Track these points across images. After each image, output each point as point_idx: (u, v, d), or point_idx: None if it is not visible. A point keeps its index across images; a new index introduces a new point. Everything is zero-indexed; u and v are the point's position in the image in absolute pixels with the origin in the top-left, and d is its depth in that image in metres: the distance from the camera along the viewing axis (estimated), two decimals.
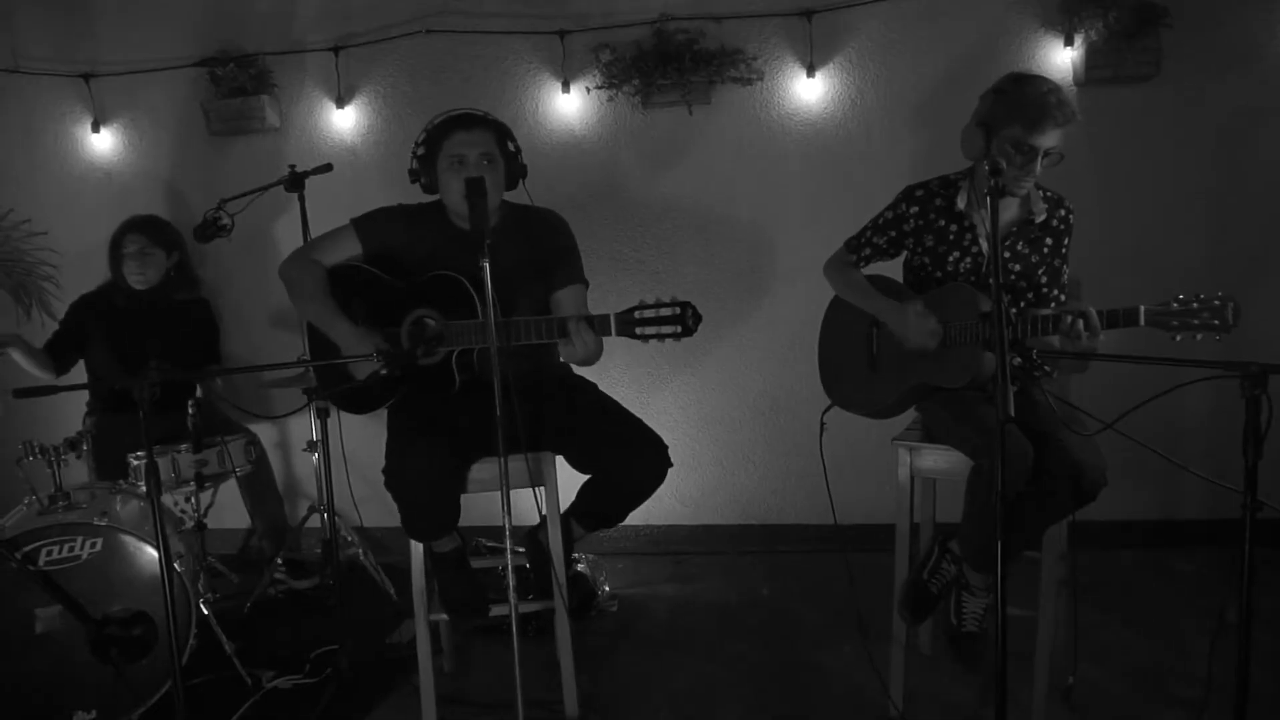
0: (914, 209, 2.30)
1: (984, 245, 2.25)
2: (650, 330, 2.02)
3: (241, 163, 3.69)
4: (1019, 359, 2.21)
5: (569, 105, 3.50)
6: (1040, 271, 2.28)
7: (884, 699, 2.33)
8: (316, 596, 3.33)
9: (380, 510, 3.47)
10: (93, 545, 2.41)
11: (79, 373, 3.35)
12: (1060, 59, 3.20)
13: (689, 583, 3.37)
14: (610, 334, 2.06)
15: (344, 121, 3.67)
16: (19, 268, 3.65)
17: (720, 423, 3.65)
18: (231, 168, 3.70)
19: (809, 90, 3.37)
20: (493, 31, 3.48)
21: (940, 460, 2.25)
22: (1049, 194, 2.26)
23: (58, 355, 3.23)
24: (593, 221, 3.49)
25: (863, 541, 3.04)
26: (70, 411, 3.45)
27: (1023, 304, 2.29)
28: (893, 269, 2.45)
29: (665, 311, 2.00)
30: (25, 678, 2.34)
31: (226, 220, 3.06)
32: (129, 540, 2.44)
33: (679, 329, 2.00)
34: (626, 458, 2.23)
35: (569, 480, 2.36)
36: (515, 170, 2.37)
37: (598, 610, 3.07)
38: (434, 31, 3.52)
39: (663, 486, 2.29)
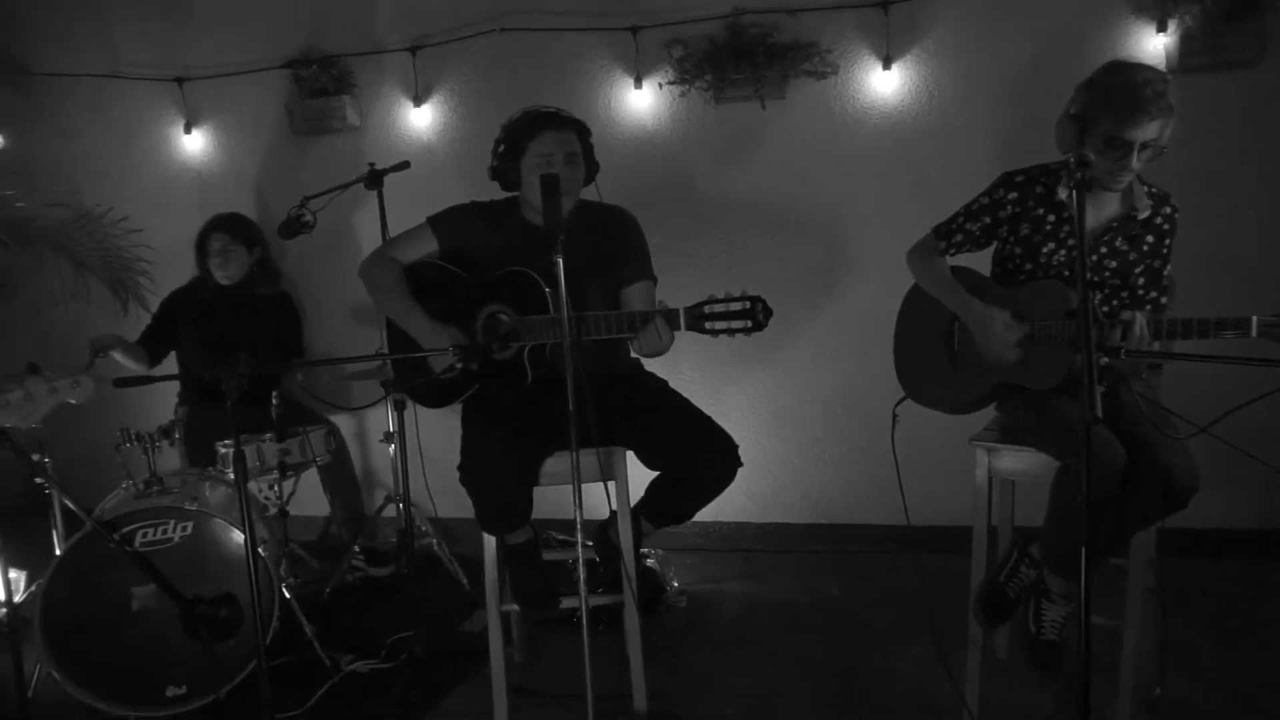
0: (1012, 195, 2.23)
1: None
2: (720, 325, 2.01)
3: (323, 161, 3.80)
4: (1106, 359, 2.13)
5: (641, 101, 3.51)
6: (1137, 270, 2.18)
7: (958, 704, 2.28)
8: (392, 584, 3.42)
9: (454, 501, 3.53)
10: (184, 529, 2.52)
11: (171, 363, 3.50)
12: (1152, 46, 3.07)
13: (757, 580, 3.35)
14: (679, 329, 2.06)
15: (420, 120, 3.74)
16: (117, 263, 3.81)
17: (791, 420, 3.61)
18: (313, 166, 3.81)
19: (885, 83, 3.30)
20: (566, 29, 3.51)
21: (1020, 461, 2.19)
22: (1154, 190, 2.17)
23: (151, 348, 3.38)
24: (663, 218, 3.48)
25: (936, 543, 2.98)
26: (163, 400, 3.61)
27: (1115, 303, 2.20)
28: (976, 261, 2.38)
29: (735, 306, 1.99)
30: (124, 652, 2.46)
31: (309, 217, 3.15)
32: (217, 524, 2.54)
33: (749, 324, 1.99)
34: (696, 456, 2.23)
35: (640, 475, 2.36)
36: (591, 168, 2.39)
37: (666, 606, 3.08)
38: (508, 30, 3.56)
39: (733, 484, 2.28)
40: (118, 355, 3.18)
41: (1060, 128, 1.99)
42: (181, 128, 3.98)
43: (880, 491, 3.50)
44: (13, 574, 2.35)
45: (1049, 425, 2.05)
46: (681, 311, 2.04)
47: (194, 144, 4.00)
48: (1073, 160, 1.55)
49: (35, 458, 2.53)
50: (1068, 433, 1.96)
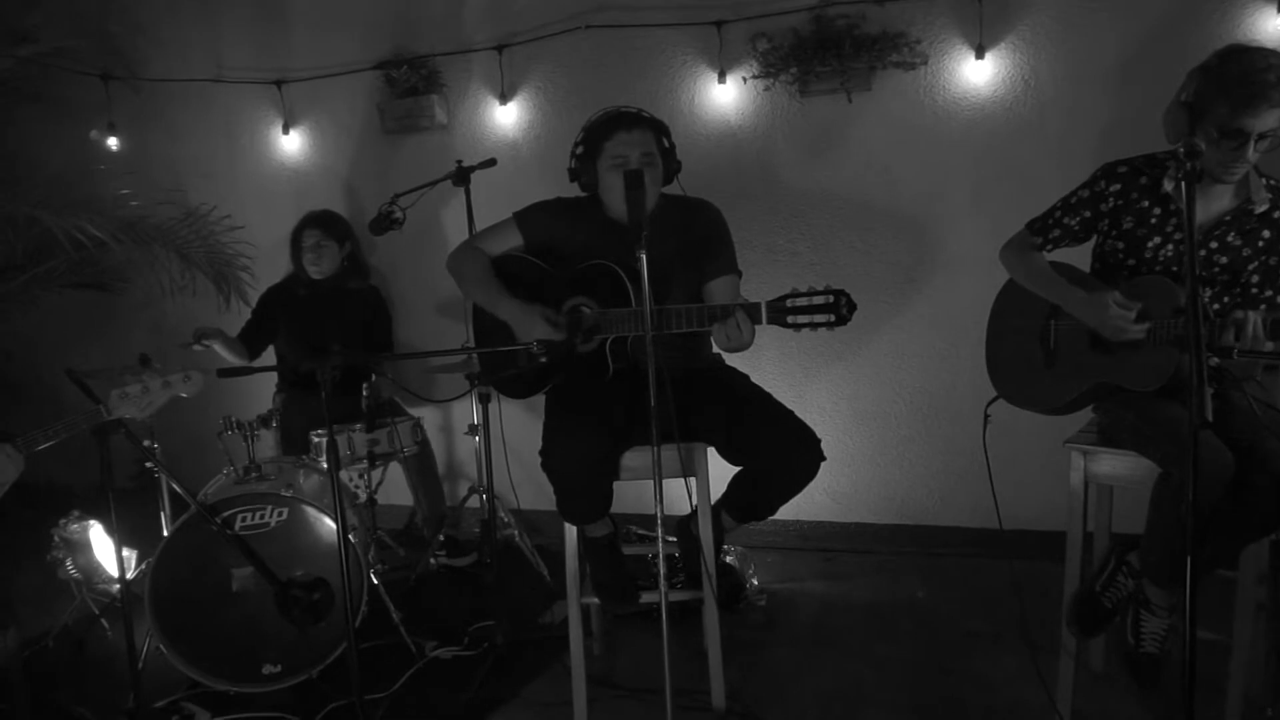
0: (1115, 187, 2.13)
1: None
2: (803, 319, 1.98)
3: (412, 159, 3.90)
4: (1216, 359, 2.02)
5: (725, 96, 3.49)
6: (1251, 267, 2.05)
7: (1050, 715, 2.20)
8: (474, 574, 3.49)
9: (536, 493, 3.59)
10: (280, 514, 2.63)
11: (269, 355, 3.65)
12: (1272, 27, 2.89)
13: (839, 580, 3.30)
14: (761, 323, 2.04)
15: (506, 118, 3.80)
16: (220, 258, 3.99)
17: (875, 418, 3.54)
18: (403, 164, 3.91)
19: (977, 73, 3.20)
20: (650, 25, 3.51)
21: (1119, 466, 2.09)
22: (1272, 181, 2.04)
23: (250, 342, 3.53)
24: (746, 213, 3.46)
25: (1028, 548, 2.88)
26: (261, 391, 3.77)
27: (1226, 300, 2.09)
28: (1072, 256, 2.28)
29: (818, 300, 1.96)
30: (224, 630, 2.58)
31: (399, 214, 3.23)
32: (310, 511, 2.63)
33: (832, 318, 1.96)
34: (779, 451, 2.20)
35: (721, 471, 2.35)
36: (671, 167, 2.37)
37: (746, 603, 3.06)
38: (593, 27, 3.59)
39: (814, 481, 2.24)
40: (218, 347, 3.33)
41: (1169, 116, 1.89)
42: (280, 128, 4.14)
43: (969, 493, 3.41)
44: (125, 552, 2.48)
45: (1152, 429, 1.95)
46: (763, 305, 2.01)
47: (291, 144, 4.16)
48: (1182, 150, 1.47)
49: (146, 444, 2.67)
50: (1172, 437, 1.86)
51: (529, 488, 3.57)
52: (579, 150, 2.37)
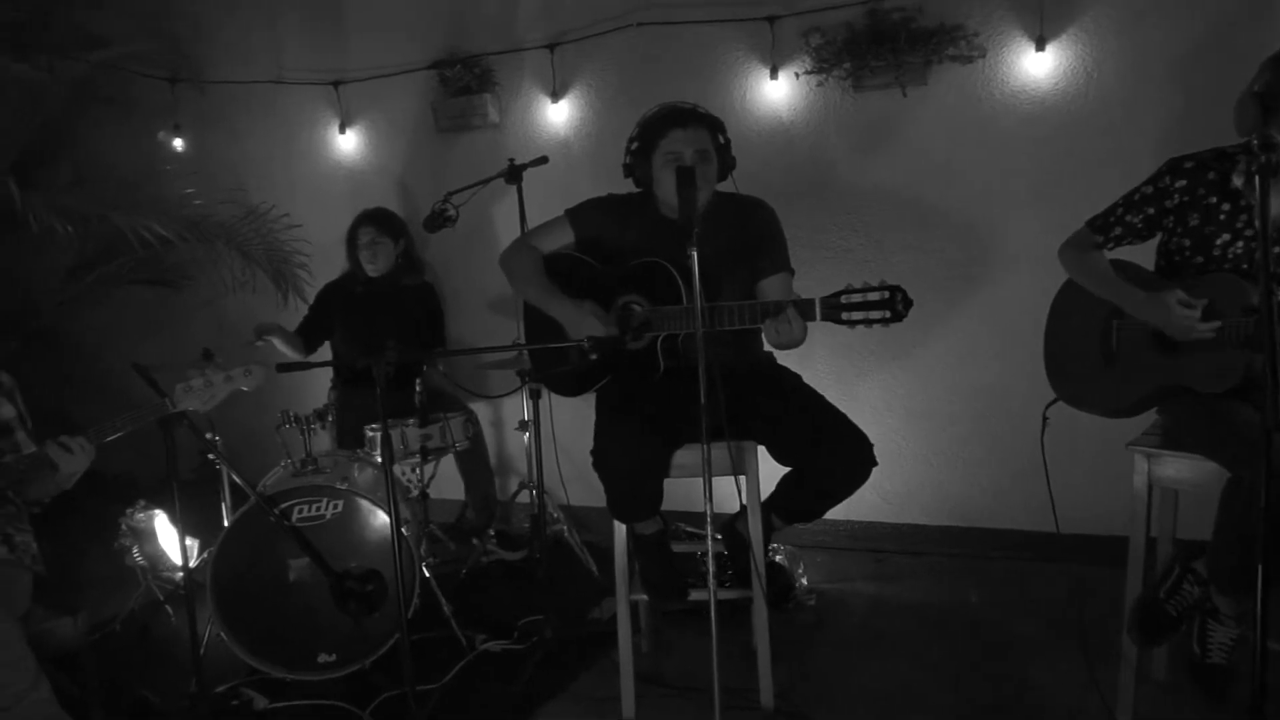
0: (1180, 182, 2.06)
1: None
2: (857, 315, 1.95)
3: (465, 157, 3.94)
4: None
5: (777, 92, 3.46)
6: None
7: None
8: (523, 568, 3.52)
9: (585, 490, 3.61)
10: (335, 506, 2.68)
11: (326, 351, 3.73)
12: None
13: (890, 581, 3.26)
14: (815, 319, 2.02)
15: (558, 115, 3.82)
16: (279, 256, 4.09)
17: (929, 418, 3.48)
18: (456, 162, 3.95)
19: (1037, 65, 3.12)
20: (702, 21, 3.49)
21: (1184, 469, 2.03)
22: None
23: (307, 338, 3.61)
24: (798, 209, 3.42)
25: (1088, 553, 2.81)
26: (318, 386, 3.85)
27: None
28: (1136, 254, 2.22)
29: (874, 296, 1.93)
30: (281, 619, 2.64)
31: (452, 211, 3.27)
32: (365, 504, 2.68)
33: (888, 314, 1.93)
34: (829, 454, 2.18)
35: (771, 470, 2.34)
36: (726, 164, 2.36)
37: (795, 603, 3.04)
38: (644, 24, 3.58)
39: (868, 483, 2.22)
40: (277, 342, 3.41)
41: (1241, 108, 1.83)
42: (336, 128, 4.22)
43: (1025, 496, 3.33)
44: (188, 541, 2.55)
45: (1220, 431, 1.89)
46: (817, 301, 1.99)
47: (347, 143, 4.24)
48: (1255, 142, 1.41)
49: (208, 436, 2.75)
50: (1243, 440, 1.80)
51: (578, 484, 3.59)
52: (634, 146, 2.36)
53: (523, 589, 3.33)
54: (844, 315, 1.96)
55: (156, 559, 3.27)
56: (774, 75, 3.42)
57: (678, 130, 2.29)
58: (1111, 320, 2.18)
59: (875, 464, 2.18)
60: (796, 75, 3.40)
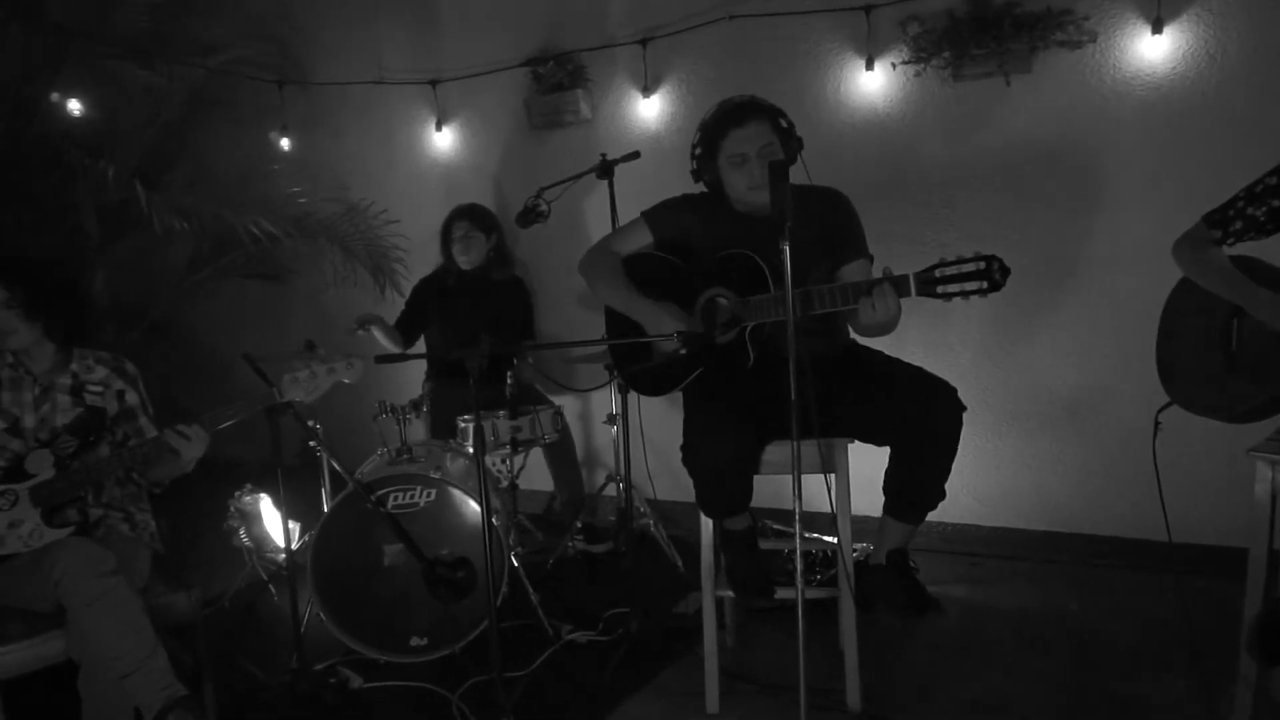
0: None
1: None
2: (953, 288, 1.91)
3: (557, 153, 3.98)
4: None
5: (872, 83, 3.38)
6: None
7: None
8: (609, 561, 3.54)
9: (672, 484, 3.62)
10: (428, 495, 2.75)
11: (421, 343, 3.83)
12: None
13: (984, 586, 3.16)
14: (910, 294, 1.97)
15: (649, 110, 3.83)
16: (378, 251, 4.23)
17: (1026, 419, 3.36)
18: (548, 158, 4.00)
19: (1153, 49, 2.96)
20: (795, 12, 3.44)
21: None
22: None
23: (405, 330, 3.71)
24: (893, 203, 3.35)
25: (1201, 564, 2.66)
26: (412, 377, 3.96)
27: None
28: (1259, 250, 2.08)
29: (969, 267, 1.88)
30: (376, 602, 2.73)
31: (544, 207, 3.31)
32: (457, 493, 2.75)
33: (984, 284, 1.88)
34: (913, 403, 2.12)
35: (860, 468, 2.29)
36: (793, 147, 2.32)
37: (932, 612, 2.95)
38: (737, 17, 3.55)
39: (958, 482, 2.16)
40: (377, 333, 3.53)
41: None
42: (433, 126, 4.33)
43: (1131, 502, 3.19)
44: (291, 524, 2.66)
45: None
46: (911, 276, 1.95)
47: (443, 141, 4.34)
48: None
49: (310, 424, 2.86)
50: None
51: (665, 478, 3.60)
52: (697, 151, 2.36)
53: (608, 582, 3.36)
54: (939, 288, 1.92)
55: (261, 540, 3.43)
56: (869, 66, 3.35)
57: (736, 130, 2.26)
58: (1232, 320, 2.05)
59: (964, 408, 2.12)
60: (893, 66, 3.32)
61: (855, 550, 2.97)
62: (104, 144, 4.04)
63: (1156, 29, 2.93)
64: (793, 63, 3.49)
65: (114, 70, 4.06)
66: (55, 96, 4.02)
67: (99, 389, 2.41)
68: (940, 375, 2.18)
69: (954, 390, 2.12)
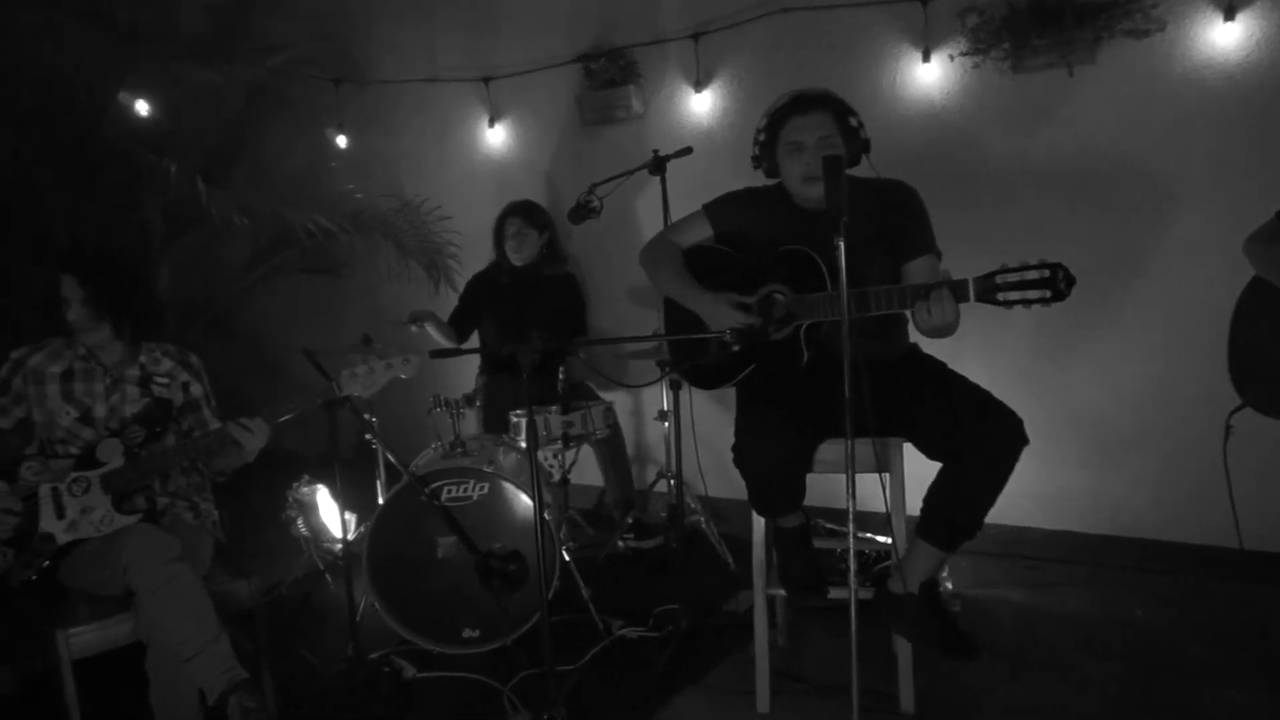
0: None
1: None
2: (1014, 295, 1.85)
3: (609, 149, 3.99)
4: None
5: (929, 75, 3.32)
6: None
7: None
8: (660, 557, 3.54)
9: (723, 481, 3.60)
10: (481, 488, 2.78)
11: (474, 338, 3.87)
12: None
13: (1042, 590, 3.09)
14: (969, 299, 1.92)
15: (701, 105, 3.81)
16: (431, 247, 4.28)
17: (1089, 420, 3.27)
18: (600, 154, 4.01)
19: (1225, 36, 2.86)
20: (850, 4, 3.40)
21: None
22: None
23: (459, 326, 3.75)
24: (951, 198, 3.26)
25: (1273, 572, 2.56)
26: (466, 372, 4.00)
27: None
28: None
29: (1032, 274, 1.83)
30: (430, 593, 2.77)
31: (596, 203, 3.31)
32: (509, 487, 2.77)
33: (1048, 293, 1.82)
34: (973, 427, 2.04)
35: (915, 467, 2.25)
36: (856, 147, 2.28)
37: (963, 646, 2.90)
38: (790, 10, 3.52)
39: (1015, 484, 2.09)
40: (431, 329, 3.57)
41: None
42: (486, 123, 4.36)
43: (1199, 508, 3.09)
44: (347, 516, 2.71)
45: None
46: (971, 281, 1.90)
47: (495, 137, 4.38)
48: None
49: (366, 418, 2.90)
50: None
51: (716, 475, 3.59)
52: (761, 137, 2.34)
53: (658, 577, 3.36)
54: (1000, 295, 1.86)
55: (318, 531, 3.50)
56: (926, 58, 3.29)
57: (797, 118, 2.24)
58: None
59: (1026, 441, 2.02)
60: (951, 57, 3.26)
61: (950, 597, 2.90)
62: (167, 143, 4.14)
63: (1229, 15, 2.83)
64: (847, 56, 3.44)
65: (178, 71, 4.16)
66: (122, 97, 4.13)
67: (165, 381, 2.48)
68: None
69: (1019, 422, 2.03)
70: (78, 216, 3.94)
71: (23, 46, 3.80)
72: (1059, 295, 1.81)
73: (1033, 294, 1.83)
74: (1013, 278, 1.85)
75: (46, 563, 2.25)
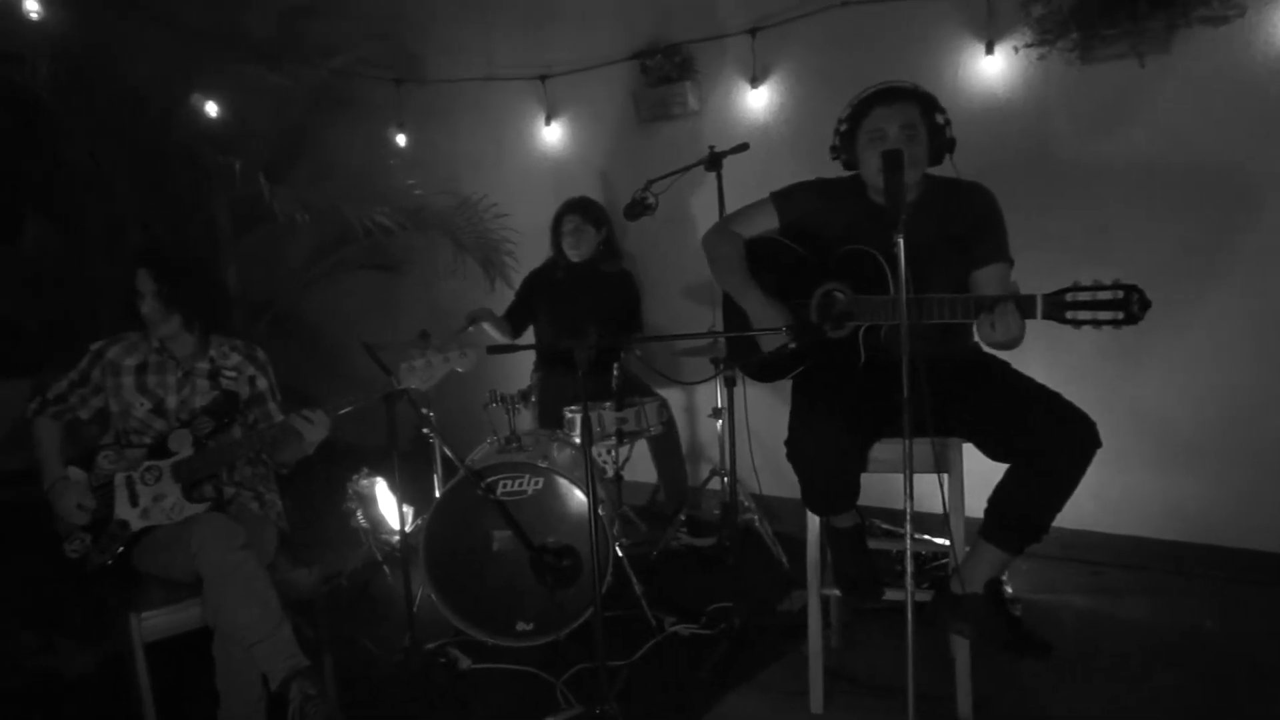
0: None
1: None
2: (1084, 315, 1.80)
3: (665, 146, 3.99)
4: None
5: (992, 68, 3.25)
6: None
7: None
8: (713, 555, 3.53)
9: (777, 480, 3.58)
10: (536, 483, 2.80)
11: (529, 334, 3.90)
12: None
13: (1106, 597, 3.00)
14: (1035, 316, 1.87)
15: (757, 101, 3.78)
16: (487, 244, 4.33)
17: (1158, 421, 3.17)
18: (655, 151, 4.01)
19: None
20: None
21: None
22: None
23: (514, 322, 3.79)
24: (1013, 194, 3.15)
25: None
26: (522, 367, 4.04)
27: None
28: None
29: (1105, 295, 1.77)
30: (485, 586, 2.80)
31: (652, 200, 3.31)
32: (563, 482, 2.79)
33: (1120, 315, 1.77)
34: (1044, 428, 1.98)
35: (974, 466, 2.21)
36: (941, 144, 2.23)
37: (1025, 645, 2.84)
38: (849, 3, 3.47)
39: (1079, 486, 2.03)
40: (487, 326, 3.61)
41: None
42: (542, 121, 4.39)
43: (1275, 515, 2.97)
44: (405, 508, 2.76)
45: None
46: (1039, 298, 1.85)
47: (552, 135, 4.40)
48: None
49: (424, 412, 2.95)
50: None
51: (771, 474, 3.56)
52: (842, 127, 2.29)
53: (711, 576, 3.34)
54: (1069, 314, 1.81)
55: (377, 522, 3.57)
56: (990, 50, 3.22)
57: (882, 108, 2.19)
58: None
59: (1099, 444, 1.95)
60: (1015, 49, 3.18)
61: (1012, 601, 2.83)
62: (234, 142, 4.27)
63: None
64: (907, 49, 3.38)
65: (244, 73, 4.28)
66: (193, 99, 4.26)
67: (233, 374, 2.55)
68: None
69: (1092, 424, 1.96)
70: (150, 215, 4.08)
71: (101, 51, 3.94)
72: (1131, 319, 1.77)
73: (1104, 314, 1.78)
74: (1084, 297, 1.80)
75: (121, 548, 2.33)
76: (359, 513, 3.56)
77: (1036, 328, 1.98)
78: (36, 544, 2.43)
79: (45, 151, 4.02)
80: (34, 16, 3.43)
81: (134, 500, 2.35)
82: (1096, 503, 3.26)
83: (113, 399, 2.48)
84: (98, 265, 3.97)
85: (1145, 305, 1.75)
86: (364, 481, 3.61)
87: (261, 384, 2.60)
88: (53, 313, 4.02)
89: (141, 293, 2.43)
